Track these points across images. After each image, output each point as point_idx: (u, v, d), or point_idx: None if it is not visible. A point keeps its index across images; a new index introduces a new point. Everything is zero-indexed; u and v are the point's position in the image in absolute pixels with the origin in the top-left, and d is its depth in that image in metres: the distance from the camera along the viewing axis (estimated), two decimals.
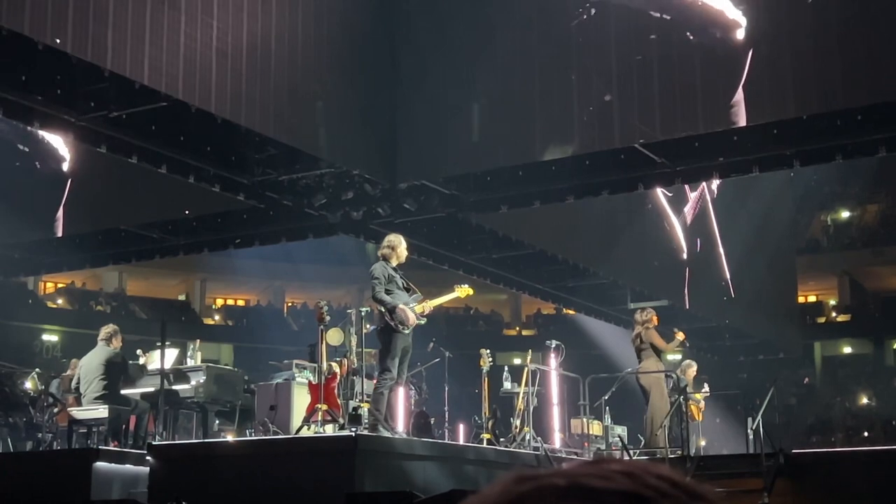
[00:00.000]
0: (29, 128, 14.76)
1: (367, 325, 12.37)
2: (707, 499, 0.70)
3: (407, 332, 11.09)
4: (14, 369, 15.37)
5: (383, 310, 10.97)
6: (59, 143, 16.48)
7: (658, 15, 13.59)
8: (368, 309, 12.46)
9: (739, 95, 13.34)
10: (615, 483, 0.67)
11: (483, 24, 15.00)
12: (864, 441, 29.65)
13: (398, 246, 11.31)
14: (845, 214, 39.19)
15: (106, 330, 13.09)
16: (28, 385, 14.77)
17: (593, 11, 13.99)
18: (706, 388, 17.62)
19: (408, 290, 11.29)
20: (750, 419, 14.22)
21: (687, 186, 20.88)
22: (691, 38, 13.44)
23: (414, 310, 11.10)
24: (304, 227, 17.14)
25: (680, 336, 15.19)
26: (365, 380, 12.23)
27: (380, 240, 16.40)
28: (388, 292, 11.01)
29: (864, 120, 13.39)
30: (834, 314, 38.80)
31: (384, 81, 15.17)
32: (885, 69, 12.70)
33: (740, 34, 13.20)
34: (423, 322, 11.24)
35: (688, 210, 21.64)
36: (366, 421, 11.10)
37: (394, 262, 11.26)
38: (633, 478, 0.68)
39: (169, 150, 14.04)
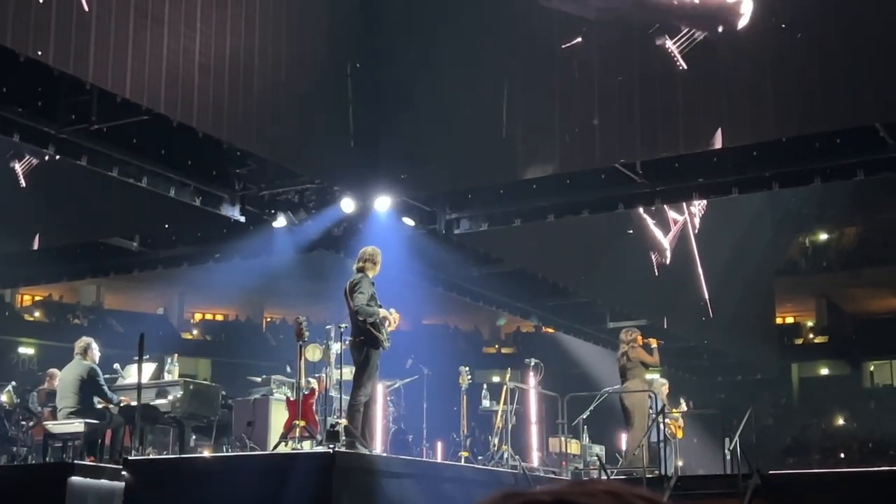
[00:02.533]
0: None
1: (346, 342, 12.35)
2: None
3: (388, 346, 11.08)
4: None
5: (367, 323, 10.90)
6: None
7: (648, 32, 13.61)
8: (348, 325, 12.44)
9: (720, 117, 13.42)
10: (599, 501, 0.68)
11: (467, 47, 15.04)
12: (841, 462, 29.74)
13: (375, 258, 11.30)
14: (823, 237, 39.38)
15: (80, 343, 13.00)
16: (3, 398, 14.65)
17: (579, 39, 14.05)
18: (683, 404, 17.64)
19: (379, 304, 11.29)
20: (727, 439, 14.25)
21: (671, 212, 21.05)
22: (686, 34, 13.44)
23: (391, 322, 11.15)
24: (285, 242, 17.10)
25: (654, 343, 15.22)
26: (344, 396, 12.20)
27: None
28: (368, 304, 10.96)
29: (843, 143, 13.48)
30: (811, 336, 38.96)
31: (366, 99, 15.19)
32: (864, 93, 12.80)
33: (743, 22, 13.17)
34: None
35: (670, 236, 21.71)
36: (343, 438, 11.06)
37: (371, 275, 11.24)
38: (616, 497, 0.70)
39: (150, 164, 14.01)
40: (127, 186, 14.22)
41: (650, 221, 21.01)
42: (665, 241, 21.50)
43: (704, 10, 13.30)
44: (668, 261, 21.49)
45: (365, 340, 10.96)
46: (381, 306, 11.18)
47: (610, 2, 13.83)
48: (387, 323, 11.08)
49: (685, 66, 13.45)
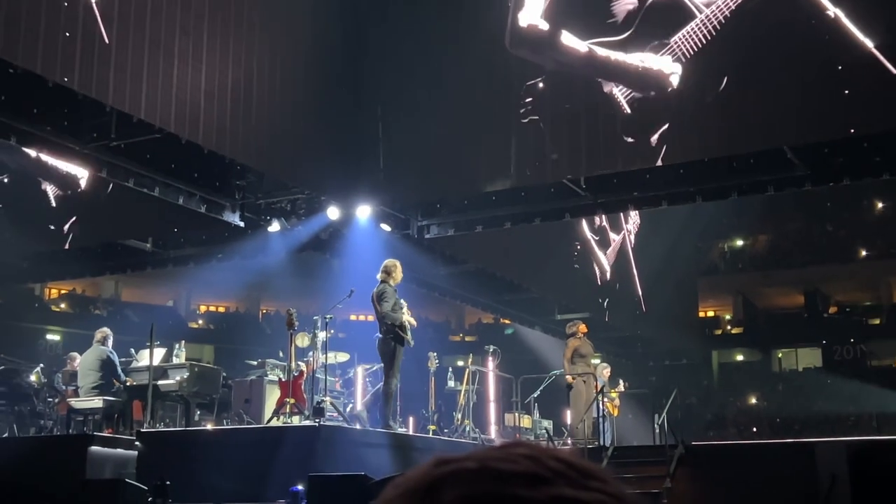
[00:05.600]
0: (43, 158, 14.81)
1: (331, 331, 12.33)
2: (598, 477, 0.70)
3: (412, 343, 11.30)
4: (20, 365, 15.10)
5: (394, 326, 11.07)
6: (71, 171, 16.61)
7: (598, 81, 13.73)
8: (332, 316, 12.42)
9: (653, 140, 13.50)
10: (519, 465, 0.68)
11: (438, 79, 15.06)
12: (753, 435, 29.97)
13: (395, 269, 11.41)
14: (739, 243, 39.65)
15: (99, 333, 12.95)
16: (32, 378, 14.52)
17: (541, 85, 14.10)
18: (621, 385, 17.69)
19: (401, 308, 11.45)
20: (657, 415, 14.34)
21: (611, 233, 21.23)
22: (622, 93, 13.57)
23: (413, 324, 11.37)
24: (278, 244, 17.04)
25: (582, 328, 15.19)
26: (329, 378, 12.17)
27: (343, 258, 16.40)
28: (394, 310, 11.11)
29: (756, 163, 13.60)
30: (729, 327, 39.21)
31: (350, 121, 15.17)
32: (773, 122, 12.92)
33: (672, 87, 13.32)
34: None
35: (610, 251, 21.83)
36: (329, 413, 11.04)
37: (393, 284, 11.32)
38: (535, 461, 0.69)
39: (161, 176, 13.93)
40: (141, 195, 14.14)
41: (593, 239, 21.13)
42: (605, 260, 21.63)
43: (642, 76, 13.42)
44: (608, 276, 21.61)
45: (394, 338, 11.11)
46: (402, 309, 11.31)
47: (566, 57, 13.87)
48: (408, 325, 11.24)
49: (629, 111, 13.55)
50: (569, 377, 14.58)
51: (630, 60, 13.46)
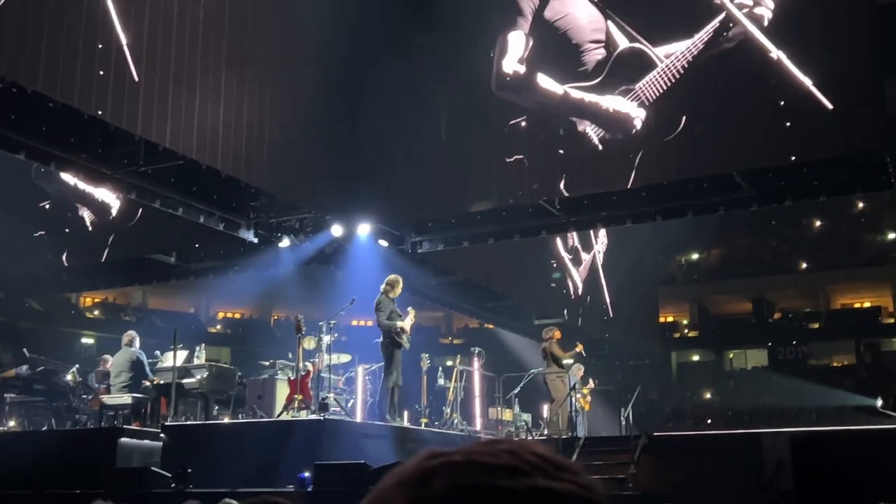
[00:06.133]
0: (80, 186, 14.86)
1: (334, 335, 12.30)
2: (570, 470, 0.71)
3: (408, 347, 11.35)
4: (58, 365, 15.00)
5: (391, 332, 11.17)
6: (106, 198, 16.73)
7: (571, 119, 13.83)
8: (336, 322, 12.39)
9: (620, 167, 13.55)
10: (500, 459, 0.68)
11: (430, 114, 15.16)
12: (708, 427, 29.94)
13: (396, 284, 11.53)
14: (695, 256, 39.70)
15: (128, 335, 12.88)
16: (68, 378, 14.43)
17: (523, 124, 14.17)
18: (591, 382, 17.66)
19: (399, 316, 11.53)
20: (623, 410, 14.36)
21: (583, 253, 21.31)
22: (592, 131, 13.66)
23: (406, 331, 11.39)
24: (288, 258, 17.00)
25: (578, 348, 15.27)
26: (333, 376, 12.13)
27: (345, 270, 16.39)
28: (389, 318, 11.19)
29: (709, 187, 13.66)
30: (686, 331, 39.20)
31: (351, 150, 15.19)
32: (723, 150, 12.99)
33: (637, 124, 13.41)
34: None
35: (581, 268, 21.86)
36: (333, 408, 11.00)
37: (392, 296, 11.43)
38: (515, 455, 0.69)
39: (184, 198, 13.91)
40: (166, 215, 14.11)
41: (567, 258, 21.19)
42: (577, 276, 21.67)
43: (610, 118, 13.51)
44: (580, 290, 21.66)
45: (391, 343, 11.20)
46: (400, 316, 11.38)
47: (545, 98, 13.97)
48: (402, 331, 11.29)
49: (601, 148, 13.62)
50: (550, 374, 14.57)
51: (601, 103, 13.54)
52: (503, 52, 14.31)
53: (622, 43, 13.52)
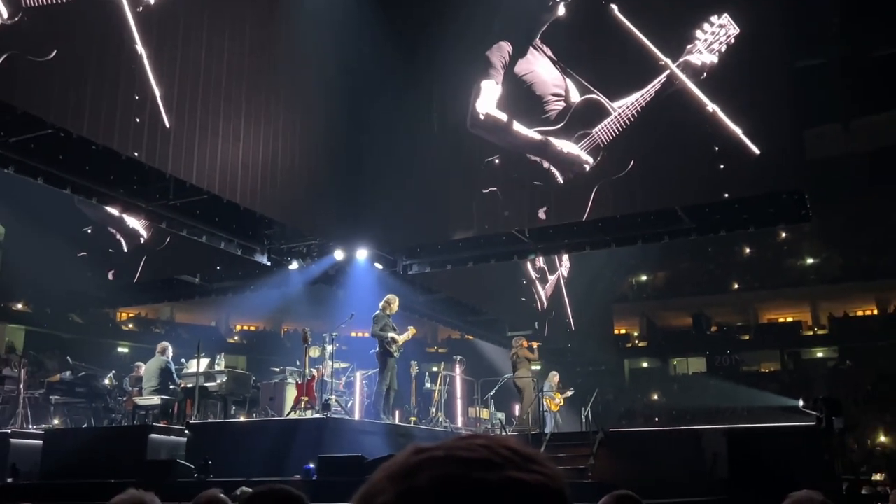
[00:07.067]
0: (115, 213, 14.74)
1: (336, 345, 12.22)
2: (538, 461, 0.70)
3: (397, 355, 11.30)
4: (97, 371, 14.82)
5: (384, 342, 11.14)
6: (136, 225, 16.60)
7: (535, 159, 13.94)
8: (337, 334, 12.32)
9: (579, 201, 13.62)
10: (477, 453, 0.67)
11: (417, 153, 15.18)
12: (655, 424, 29.89)
13: (392, 302, 11.54)
14: (644, 278, 39.82)
15: (160, 346, 12.76)
16: (106, 382, 14.25)
17: (497, 161, 14.26)
18: (568, 392, 17.37)
19: (394, 329, 11.44)
20: (583, 409, 14.29)
21: (550, 276, 21.36)
22: (555, 170, 13.79)
23: (397, 341, 11.30)
24: (297, 279, 16.92)
25: (534, 344, 15.16)
26: (335, 381, 12.04)
27: (346, 289, 16.32)
28: (383, 330, 11.15)
29: (655, 219, 13.75)
30: (637, 341, 39.23)
31: (351, 185, 15.22)
32: (667, 188, 13.10)
33: (586, 167, 13.53)
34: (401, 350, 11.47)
35: (548, 286, 21.90)
36: (335, 408, 10.90)
37: (387, 312, 11.43)
38: (489, 449, 0.68)
39: (208, 227, 13.85)
40: (192, 242, 14.03)
41: (536, 277, 21.23)
42: (543, 294, 21.69)
43: (565, 159, 13.65)
44: (545, 305, 21.67)
45: (384, 352, 11.21)
46: (395, 329, 11.34)
47: (514, 139, 14.14)
48: (393, 341, 11.27)
49: (562, 181, 13.71)
50: (519, 378, 14.51)
51: (557, 145, 13.70)
52: (477, 96, 14.49)
53: (579, 97, 13.68)
